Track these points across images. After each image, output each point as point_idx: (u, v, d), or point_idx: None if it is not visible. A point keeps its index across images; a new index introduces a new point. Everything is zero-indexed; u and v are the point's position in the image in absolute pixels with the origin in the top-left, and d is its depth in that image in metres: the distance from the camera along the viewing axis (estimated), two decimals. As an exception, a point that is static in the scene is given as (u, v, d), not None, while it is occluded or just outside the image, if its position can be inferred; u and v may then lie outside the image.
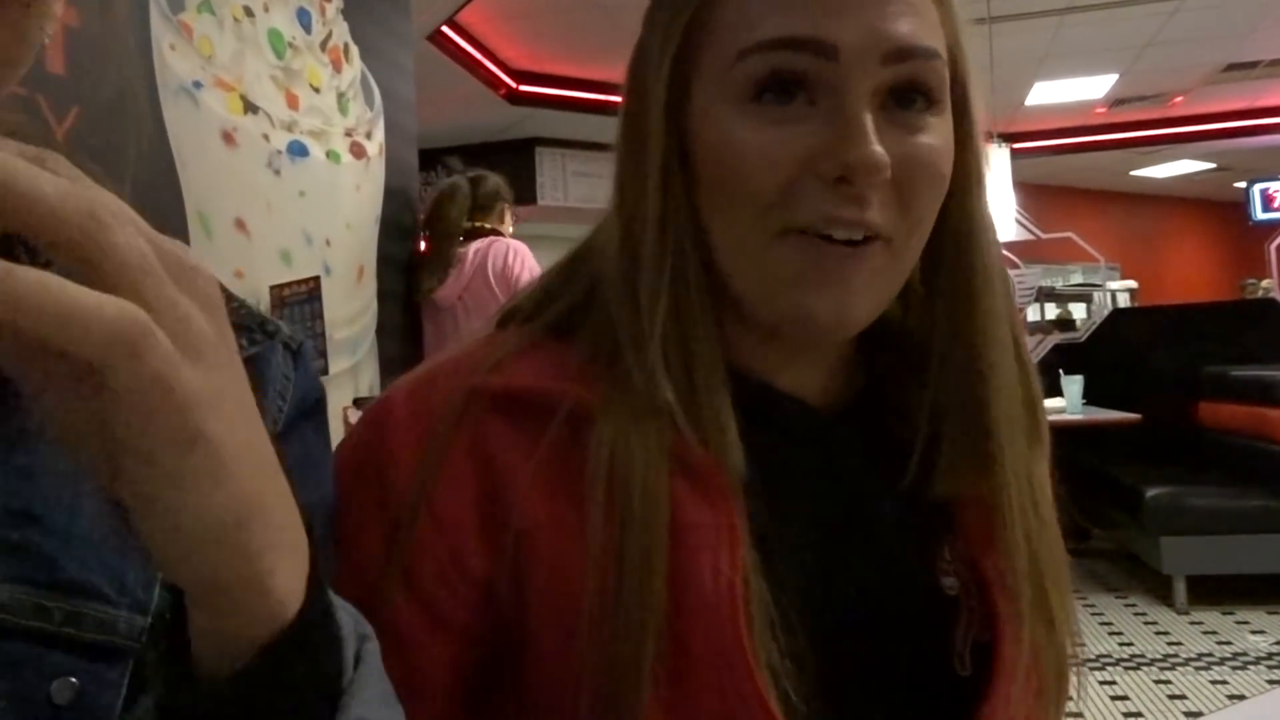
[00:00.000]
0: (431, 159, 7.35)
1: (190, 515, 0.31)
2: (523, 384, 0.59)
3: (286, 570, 0.35)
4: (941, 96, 0.58)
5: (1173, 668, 3.53)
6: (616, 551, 0.54)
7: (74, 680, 0.40)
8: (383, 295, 3.40)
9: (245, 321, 0.50)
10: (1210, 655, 3.64)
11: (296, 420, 0.53)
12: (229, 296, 0.48)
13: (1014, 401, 0.63)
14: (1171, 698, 3.24)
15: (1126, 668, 3.56)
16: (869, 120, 0.54)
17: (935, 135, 0.57)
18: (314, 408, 0.57)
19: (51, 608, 0.40)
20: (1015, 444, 0.62)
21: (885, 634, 0.60)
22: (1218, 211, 11.87)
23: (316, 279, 2.64)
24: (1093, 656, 3.69)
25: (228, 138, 2.64)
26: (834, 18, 0.54)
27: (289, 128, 2.93)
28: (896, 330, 0.66)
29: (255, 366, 0.49)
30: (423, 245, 3.66)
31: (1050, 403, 4.89)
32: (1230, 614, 4.13)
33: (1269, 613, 4.11)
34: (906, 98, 0.56)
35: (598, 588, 0.54)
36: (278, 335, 0.53)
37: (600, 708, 0.53)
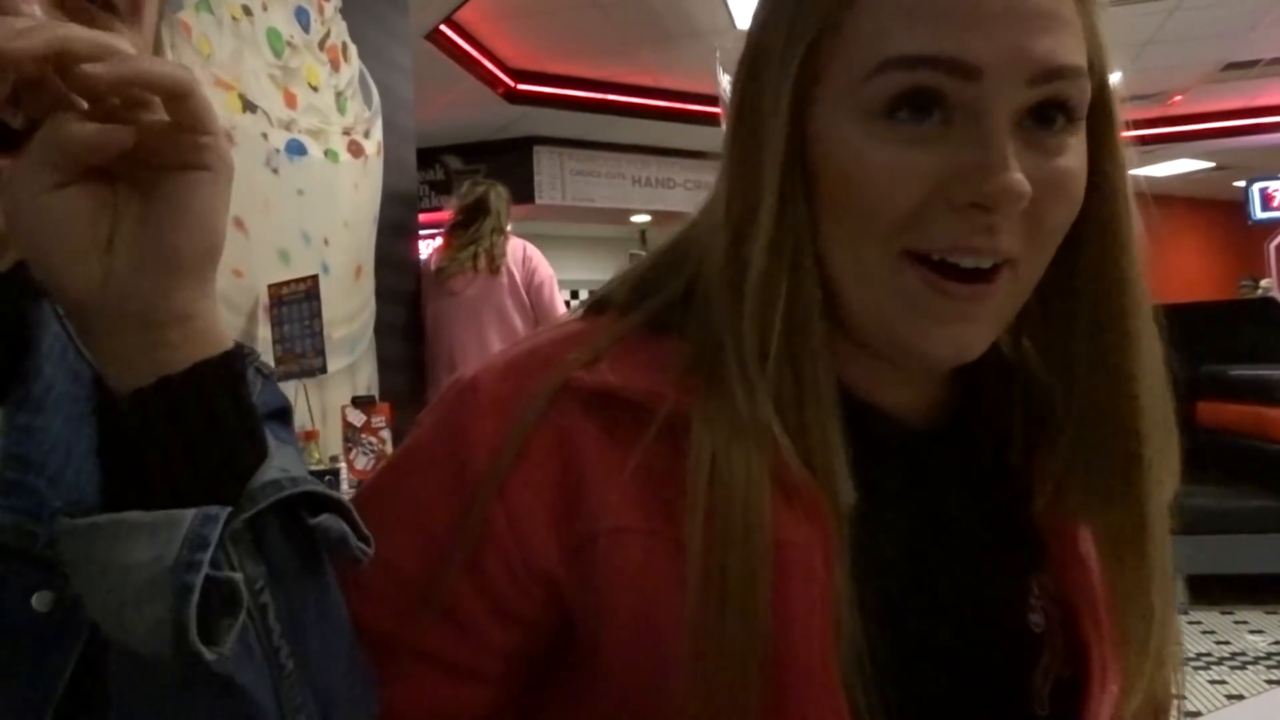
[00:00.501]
0: (430, 157, 7.37)
1: (199, 224, 0.45)
2: (619, 383, 0.56)
3: (220, 320, 0.46)
4: (1082, 114, 0.55)
5: (1171, 667, 3.53)
6: (720, 566, 0.51)
7: (50, 592, 0.48)
8: (381, 294, 3.40)
9: None
10: (1209, 655, 3.64)
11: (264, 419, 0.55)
12: None
13: (1159, 427, 0.62)
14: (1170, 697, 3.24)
15: (1125, 667, 3.56)
16: (1010, 146, 0.51)
17: (1073, 157, 0.54)
18: (279, 412, 0.62)
19: (36, 533, 0.49)
20: (1159, 469, 0.61)
21: (968, 669, 0.58)
22: (1217, 211, 11.87)
23: (314, 278, 2.63)
24: (1091, 656, 3.70)
25: (226, 136, 2.64)
26: (979, 35, 0.50)
27: (287, 126, 2.92)
28: (994, 350, 0.62)
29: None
30: (452, 232, 3.63)
31: (1049, 402, 4.89)
32: (1229, 614, 4.13)
33: (1268, 612, 4.11)
34: (1047, 116, 0.53)
35: (700, 601, 0.51)
36: (250, 359, 0.58)
37: None
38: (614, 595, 0.54)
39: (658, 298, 0.60)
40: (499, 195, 3.60)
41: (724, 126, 0.61)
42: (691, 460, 0.53)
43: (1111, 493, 0.59)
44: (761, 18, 0.59)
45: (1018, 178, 0.50)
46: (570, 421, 0.56)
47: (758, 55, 0.58)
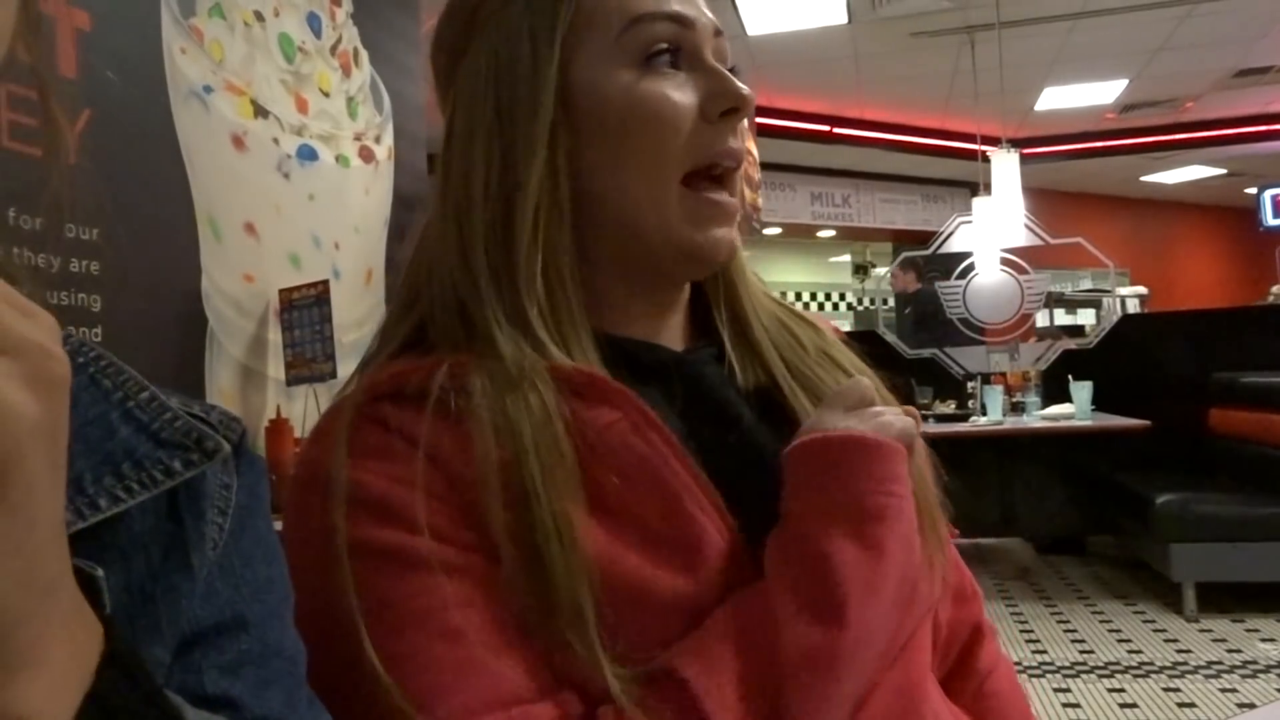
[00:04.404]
0: (440, 163, 7.32)
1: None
2: (399, 369, 0.63)
3: (31, 689, 0.31)
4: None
5: (1182, 675, 3.51)
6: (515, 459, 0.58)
7: None
8: (391, 299, 3.41)
9: (182, 440, 0.45)
10: (1220, 663, 3.62)
11: (244, 520, 0.49)
12: (163, 409, 0.46)
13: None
14: (1181, 705, 3.22)
15: (1135, 675, 3.54)
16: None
17: None
18: (259, 505, 0.51)
19: None
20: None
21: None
22: (1228, 217, 11.84)
23: (325, 282, 2.64)
24: (1101, 664, 3.68)
25: (238, 142, 2.65)
26: (682, 2, 0.69)
27: (298, 132, 2.94)
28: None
29: (191, 490, 0.46)
30: None
31: (1059, 409, 4.87)
32: (1240, 621, 4.11)
33: (1279, 620, 4.09)
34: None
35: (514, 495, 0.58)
36: (217, 455, 0.47)
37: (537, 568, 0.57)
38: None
39: (399, 335, 0.68)
40: None
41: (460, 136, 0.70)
42: (475, 392, 0.60)
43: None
44: (488, 15, 0.70)
45: (745, 87, 0.68)
46: (378, 411, 0.62)
47: (508, 44, 0.68)
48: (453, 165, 0.69)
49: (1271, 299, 7.59)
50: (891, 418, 0.66)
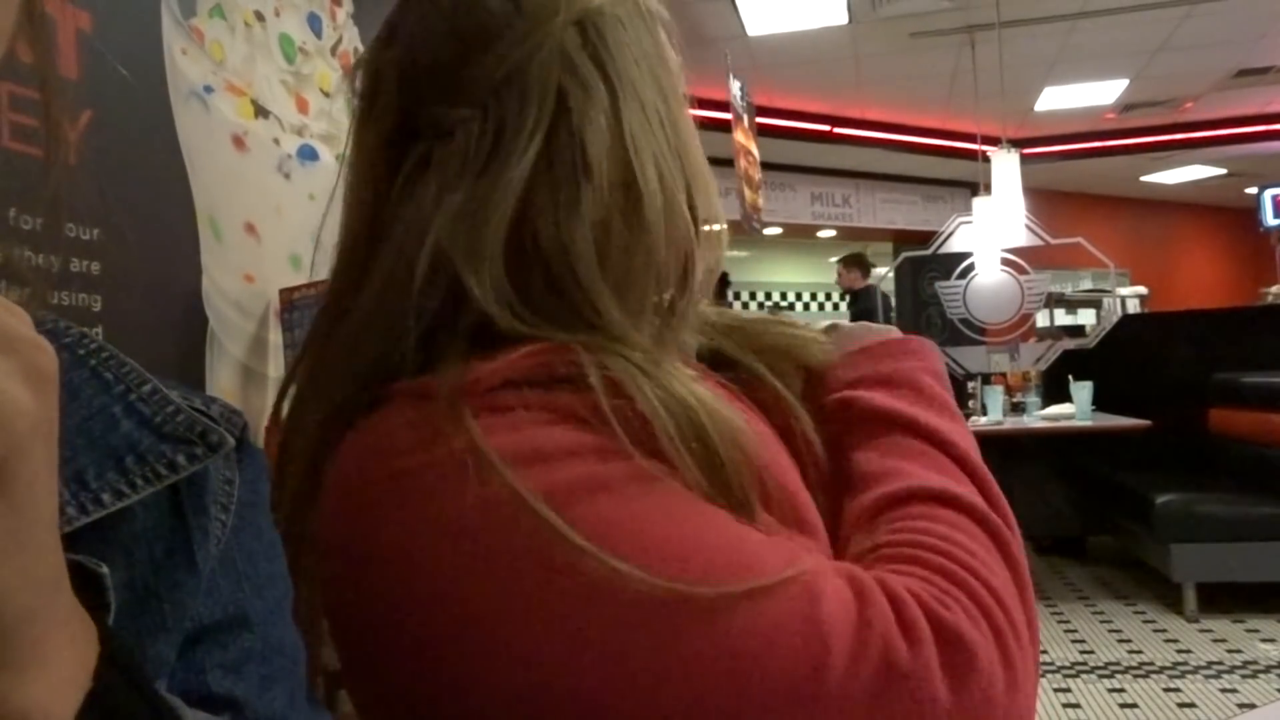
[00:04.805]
0: (441, 163, 7.33)
1: None
2: (522, 355, 0.59)
3: (37, 687, 0.30)
4: None
5: (1182, 676, 3.52)
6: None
7: None
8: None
9: (185, 434, 0.45)
10: (1220, 663, 3.62)
11: (245, 516, 0.48)
12: (165, 402, 0.44)
13: None
14: (1181, 706, 3.22)
15: (1135, 676, 3.54)
16: None
17: None
18: (259, 500, 0.50)
19: None
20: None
21: None
22: (1229, 217, 11.83)
23: (326, 283, 2.64)
24: (1101, 664, 3.68)
25: (238, 142, 2.65)
26: None
27: (299, 132, 2.93)
28: None
29: (194, 485, 0.45)
30: None
31: (1059, 409, 4.87)
32: (1240, 622, 4.11)
33: (1279, 621, 4.09)
34: None
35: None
36: (221, 449, 0.46)
37: None
38: None
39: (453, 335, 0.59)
40: None
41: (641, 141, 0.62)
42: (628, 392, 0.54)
43: None
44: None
45: None
46: (496, 399, 0.54)
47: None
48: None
49: (1271, 299, 7.58)
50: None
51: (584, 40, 0.62)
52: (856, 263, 7.30)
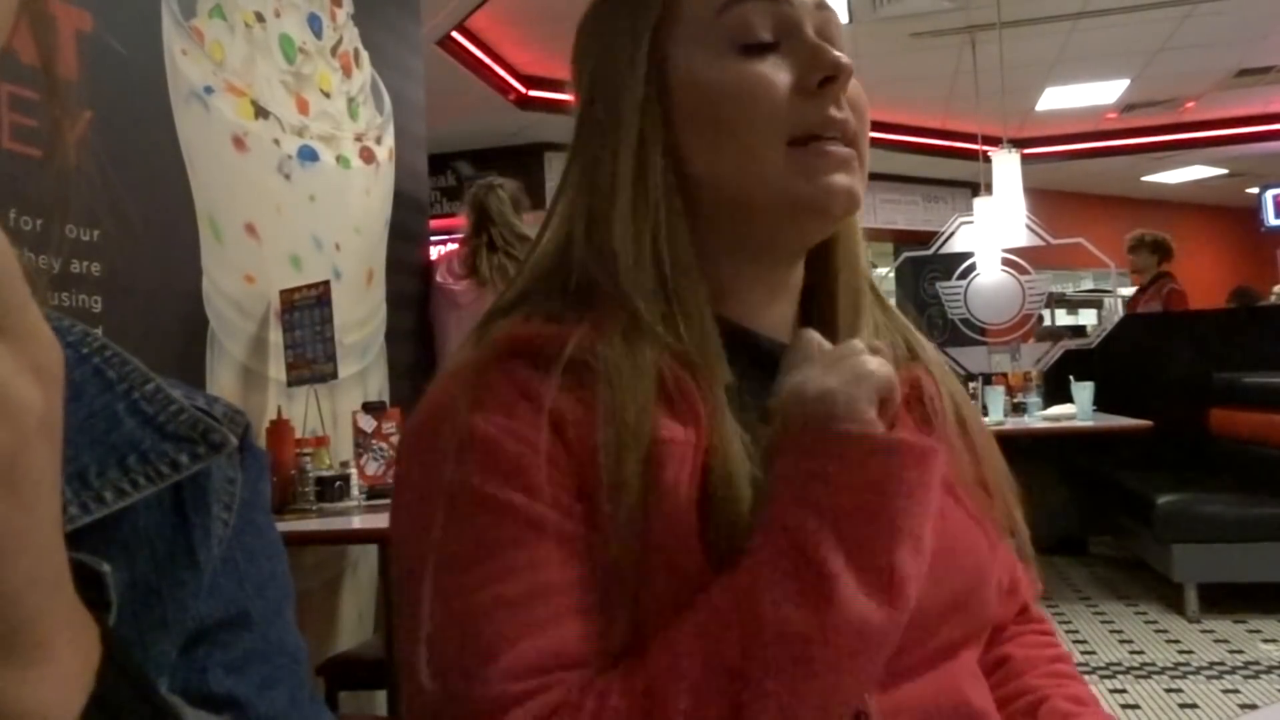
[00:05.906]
0: (441, 163, 7.36)
1: None
2: (536, 330, 0.66)
3: (43, 686, 0.30)
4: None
5: (1184, 676, 3.51)
6: (615, 459, 0.61)
7: None
8: (392, 299, 3.41)
9: (188, 433, 0.44)
10: (1222, 664, 3.62)
11: (247, 515, 0.48)
12: (168, 401, 0.45)
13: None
14: (1183, 706, 3.22)
15: (1137, 676, 3.54)
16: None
17: None
18: (261, 500, 0.51)
19: None
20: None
21: None
22: (1230, 217, 11.82)
23: (326, 283, 2.64)
24: (1103, 665, 3.67)
25: (238, 143, 2.65)
26: None
27: (299, 132, 2.93)
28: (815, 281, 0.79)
29: (196, 484, 0.45)
30: (464, 241, 3.59)
31: (1061, 409, 4.87)
32: (1242, 622, 4.10)
33: (1281, 621, 4.09)
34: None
35: (607, 479, 0.61)
36: (223, 449, 0.46)
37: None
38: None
39: (540, 297, 0.71)
40: (499, 198, 3.55)
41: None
42: (599, 373, 0.62)
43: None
44: (594, 15, 0.75)
45: (843, 55, 0.69)
46: (507, 365, 0.64)
47: (608, 40, 0.73)
48: (573, 159, 0.74)
49: (1274, 298, 7.58)
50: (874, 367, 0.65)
51: None
52: None
